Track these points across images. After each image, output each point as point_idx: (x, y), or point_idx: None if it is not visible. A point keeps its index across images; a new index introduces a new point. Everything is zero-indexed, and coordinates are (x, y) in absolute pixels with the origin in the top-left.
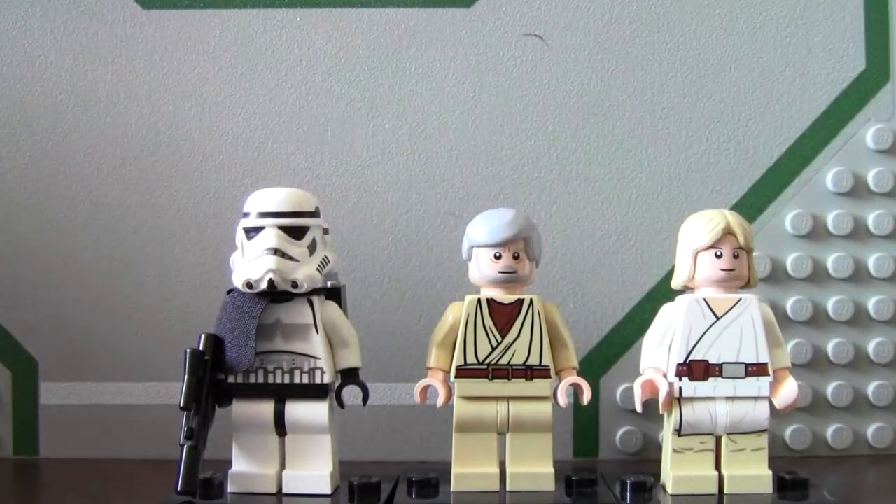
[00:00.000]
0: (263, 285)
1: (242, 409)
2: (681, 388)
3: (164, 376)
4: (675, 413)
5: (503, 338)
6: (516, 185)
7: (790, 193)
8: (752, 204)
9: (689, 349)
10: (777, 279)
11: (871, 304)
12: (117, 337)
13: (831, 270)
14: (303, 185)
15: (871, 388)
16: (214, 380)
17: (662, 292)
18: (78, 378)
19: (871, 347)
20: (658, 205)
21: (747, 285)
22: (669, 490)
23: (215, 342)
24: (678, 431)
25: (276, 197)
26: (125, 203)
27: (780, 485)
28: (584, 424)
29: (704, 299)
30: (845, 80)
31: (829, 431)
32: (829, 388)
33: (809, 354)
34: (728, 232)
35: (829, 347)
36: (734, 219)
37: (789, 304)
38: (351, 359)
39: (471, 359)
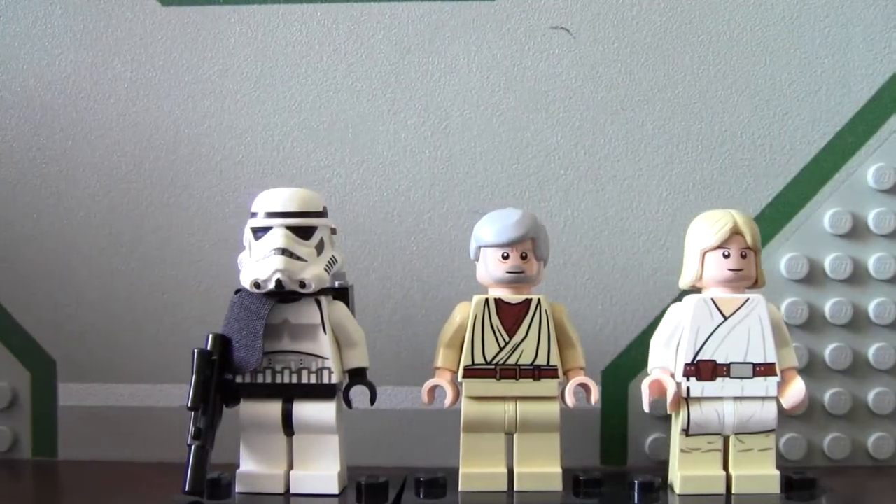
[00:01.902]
0: (271, 285)
1: (250, 409)
2: (688, 388)
3: (184, 378)
4: (683, 413)
5: (511, 338)
6: (542, 183)
7: (828, 191)
8: (789, 202)
9: (697, 349)
10: (815, 279)
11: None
12: (136, 338)
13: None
14: (323, 182)
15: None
16: (222, 380)
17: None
18: (97, 379)
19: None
20: (690, 203)
21: (755, 285)
22: (677, 490)
23: (223, 342)
24: (686, 431)
25: (283, 196)
26: (144, 202)
27: (788, 485)
28: (612, 431)
29: (712, 299)
30: (886, 72)
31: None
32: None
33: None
34: (736, 232)
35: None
36: (742, 219)
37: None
38: (358, 359)
39: (478, 359)
